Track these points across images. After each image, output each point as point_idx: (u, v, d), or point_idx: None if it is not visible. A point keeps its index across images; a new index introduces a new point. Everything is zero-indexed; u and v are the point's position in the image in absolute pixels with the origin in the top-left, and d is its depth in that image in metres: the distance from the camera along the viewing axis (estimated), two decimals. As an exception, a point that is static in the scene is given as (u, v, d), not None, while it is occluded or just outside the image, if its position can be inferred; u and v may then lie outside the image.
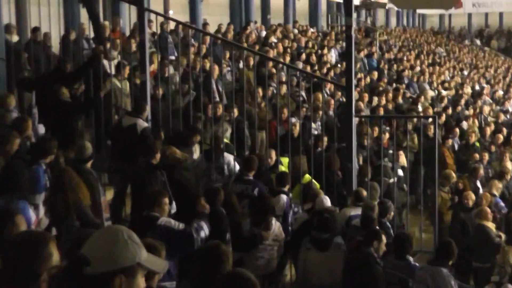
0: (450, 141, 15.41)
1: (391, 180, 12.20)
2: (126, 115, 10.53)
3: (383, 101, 17.69)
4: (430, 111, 17.09)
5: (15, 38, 12.69)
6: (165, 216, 7.19)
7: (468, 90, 25.44)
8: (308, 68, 18.12)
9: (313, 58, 20.60)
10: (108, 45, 12.32)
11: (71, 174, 7.20)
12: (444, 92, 23.14)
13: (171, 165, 8.98)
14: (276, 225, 8.66)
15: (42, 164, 7.62)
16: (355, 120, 10.26)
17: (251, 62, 14.82)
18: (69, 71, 10.94)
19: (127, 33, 14.68)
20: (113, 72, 12.12)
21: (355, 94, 17.36)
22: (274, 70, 14.73)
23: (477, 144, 16.44)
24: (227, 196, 8.48)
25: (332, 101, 14.89)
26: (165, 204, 7.26)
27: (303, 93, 15.34)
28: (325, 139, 11.78)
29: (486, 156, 14.68)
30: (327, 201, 9.33)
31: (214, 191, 8.18)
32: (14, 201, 6.63)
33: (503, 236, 11.09)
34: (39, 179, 7.47)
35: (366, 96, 17.59)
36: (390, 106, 17.94)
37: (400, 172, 12.98)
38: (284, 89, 14.36)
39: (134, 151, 9.44)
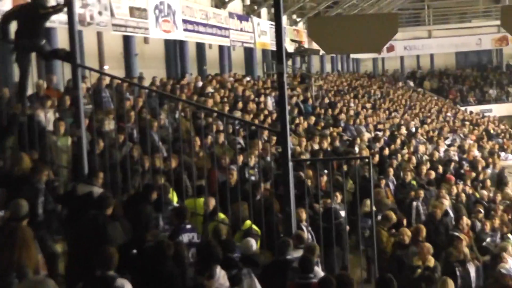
0: (383, 181, 15.75)
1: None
2: (81, 183, 10.37)
3: (325, 144, 18.08)
4: (365, 152, 17.44)
5: None
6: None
7: (403, 130, 26.00)
8: (246, 116, 18.35)
9: (251, 106, 20.88)
10: (49, 103, 12.34)
11: (24, 232, 7.14)
12: (379, 134, 23.62)
13: None
14: (221, 273, 8.68)
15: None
16: (291, 165, 10.42)
17: (188, 113, 14.99)
18: None
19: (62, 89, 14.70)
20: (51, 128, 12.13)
21: (293, 140, 17.77)
22: (210, 120, 14.93)
23: (414, 182, 16.78)
24: (177, 247, 8.53)
25: (269, 147, 15.07)
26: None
27: (241, 141, 15.55)
28: (263, 185, 11.95)
29: (422, 194, 14.97)
30: (253, 245, 9.61)
31: (167, 247, 8.23)
32: None
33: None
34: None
35: (304, 141, 17.88)
36: (329, 149, 18.31)
37: (343, 214, 13.20)
38: (222, 137, 14.51)
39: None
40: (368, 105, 32.30)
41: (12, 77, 13.30)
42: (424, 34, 54.58)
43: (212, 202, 11.15)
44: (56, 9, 11.30)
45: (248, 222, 11.09)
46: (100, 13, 18.42)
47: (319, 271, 9.31)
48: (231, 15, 29.02)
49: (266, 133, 16.13)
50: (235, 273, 8.53)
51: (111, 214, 8.99)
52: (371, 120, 26.81)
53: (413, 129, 27.74)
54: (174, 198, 11.47)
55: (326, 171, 14.19)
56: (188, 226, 9.82)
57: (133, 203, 10.42)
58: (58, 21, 14.77)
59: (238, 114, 18.54)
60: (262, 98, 23.28)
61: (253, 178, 12.85)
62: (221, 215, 11.13)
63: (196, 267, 8.70)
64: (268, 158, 14.36)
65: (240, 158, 13.47)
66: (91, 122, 12.02)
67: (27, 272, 7.04)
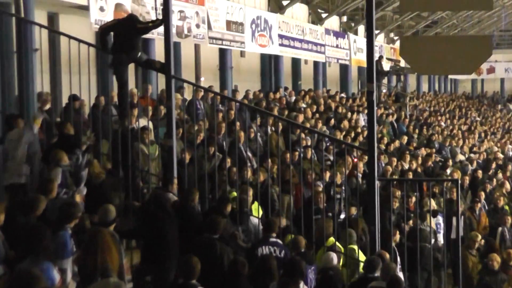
0: (478, 205, 15.38)
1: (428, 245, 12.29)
2: (157, 190, 10.62)
3: (413, 165, 17.86)
4: (456, 175, 17.08)
5: (46, 106, 13.04)
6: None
7: (499, 154, 25.35)
8: (337, 133, 18.33)
9: (345, 123, 20.85)
10: (135, 112, 12.63)
11: (105, 236, 7.34)
12: (473, 156, 23.12)
13: None
14: (304, 289, 8.68)
15: (68, 229, 7.80)
16: (377, 183, 10.33)
17: (280, 128, 15.11)
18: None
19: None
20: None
21: (384, 158, 17.61)
22: (302, 135, 14.96)
23: (507, 207, 16.33)
24: (266, 261, 8.60)
25: (361, 165, 14.95)
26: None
27: (331, 158, 15.50)
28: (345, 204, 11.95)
29: (510, 220, 14.54)
30: (334, 259, 9.54)
31: (241, 265, 8.28)
32: (38, 262, 6.78)
33: None
34: (67, 244, 7.61)
35: (394, 161, 17.70)
36: (420, 170, 18.08)
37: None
38: (309, 153, 14.53)
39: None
40: (464, 127, 31.68)
41: (109, 86, 13.66)
42: (526, 57, 53.10)
43: (283, 222, 11.20)
44: (154, 24, 11.55)
45: (332, 239, 11.06)
46: (197, 25, 18.80)
47: None
48: (327, 31, 29.06)
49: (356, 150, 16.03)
50: None
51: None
52: (467, 142, 26.29)
53: (510, 153, 27.00)
54: (258, 211, 11.52)
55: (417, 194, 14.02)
56: (272, 239, 9.87)
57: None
58: (156, 32, 15.14)
59: (326, 130, 18.55)
60: (354, 116, 23.19)
61: (338, 196, 12.80)
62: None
63: (279, 282, 8.70)
64: (359, 176, 14.29)
65: (327, 175, 13.45)
66: (184, 132, 12.27)
67: (110, 275, 7.22)
